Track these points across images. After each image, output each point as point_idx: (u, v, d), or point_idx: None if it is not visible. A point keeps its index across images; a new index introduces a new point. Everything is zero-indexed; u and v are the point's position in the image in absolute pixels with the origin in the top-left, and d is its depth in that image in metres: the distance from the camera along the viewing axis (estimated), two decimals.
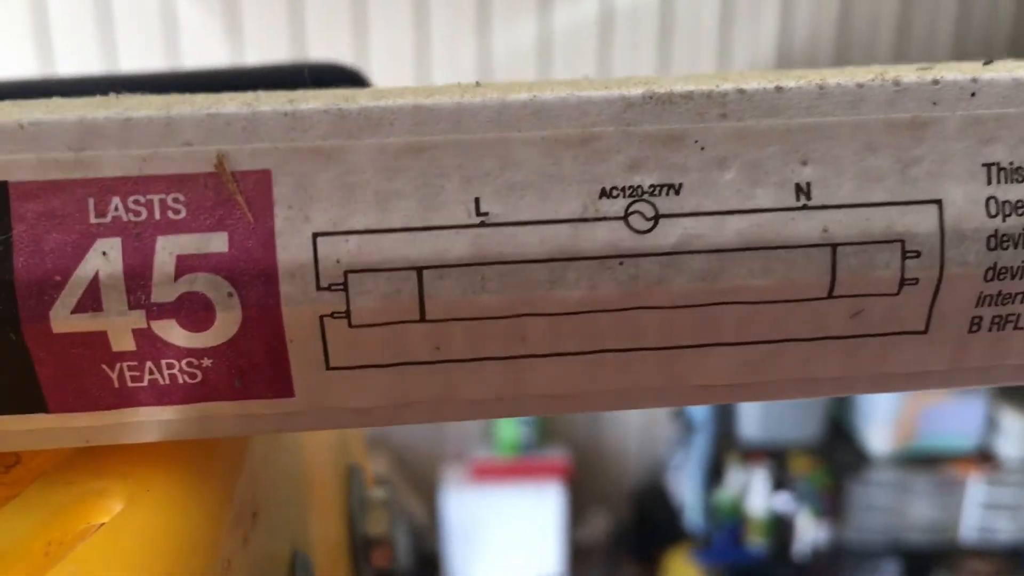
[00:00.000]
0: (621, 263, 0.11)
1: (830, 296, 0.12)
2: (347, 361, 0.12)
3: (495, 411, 0.12)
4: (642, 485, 1.75)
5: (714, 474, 1.52)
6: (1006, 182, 0.12)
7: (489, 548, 1.63)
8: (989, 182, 0.12)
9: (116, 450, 0.12)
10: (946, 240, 0.12)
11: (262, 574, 0.14)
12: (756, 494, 1.50)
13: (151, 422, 0.12)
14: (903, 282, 0.12)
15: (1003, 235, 0.12)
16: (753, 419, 1.48)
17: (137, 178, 0.11)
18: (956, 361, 0.13)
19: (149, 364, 0.11)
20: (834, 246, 0.12)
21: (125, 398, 0.11)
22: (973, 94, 0.12)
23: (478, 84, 0.12)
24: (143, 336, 0.11)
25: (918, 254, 0.12)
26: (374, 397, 0.12)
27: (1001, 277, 0.12)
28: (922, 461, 1.46)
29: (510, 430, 1.61)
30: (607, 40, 1.50)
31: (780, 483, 1.50)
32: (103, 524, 0.11)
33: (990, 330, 0.12)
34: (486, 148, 0.11)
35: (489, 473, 1.62)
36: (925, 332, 0.12)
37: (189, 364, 0.11)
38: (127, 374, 0.11)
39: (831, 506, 1.48)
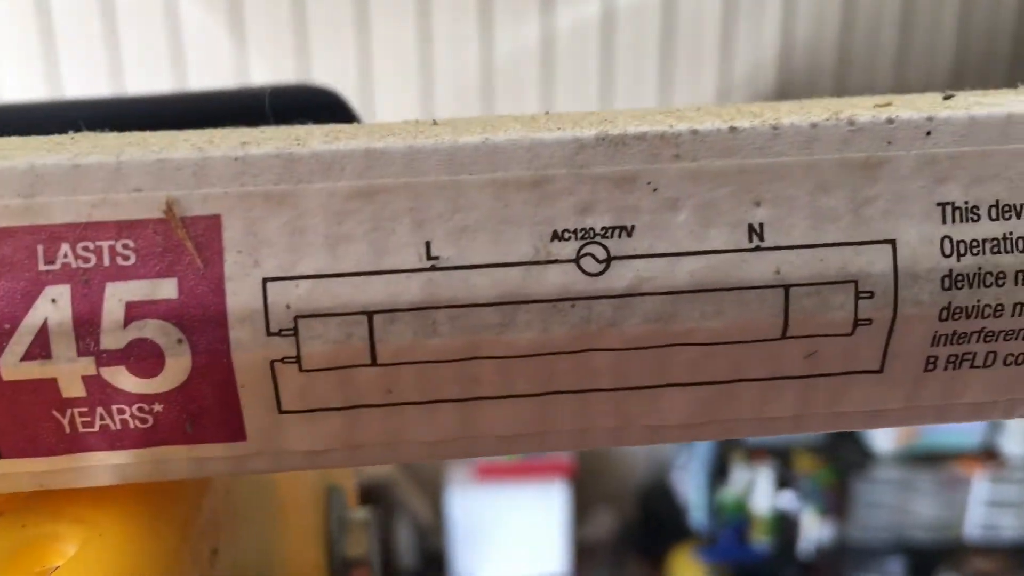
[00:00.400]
0: (573, 306, 0.12)
1: (784, 337, 0.12)
2: (299, 405, 0.12)
3: (448, 452, 0.13)
4: (647, 484, 1.75)
5: (719, 473, 1.53)
6: (961, 221, 0.12)
7: (494, 547, 1.64)
8: (944, 221, 0.12)
9: (70, 493, 0.12)
10: (900, 280, 0.12)
11: None
12: (760, 493, 1.50)
13: (104, 466, 0.12)
14: (857, 323, 0.12)
15: (957, 275, 0.12)
16: None
17: (86, 224, 0.11)
18: (912, 400, 0.13)
19: (100, 410, 0.11)
20: (787, 287, 0.12)
21: (77, 443, 0.12)
22: (928, 132, 0.12)
23: (435, 123, 0.12)
24: (93, 383, 0.11)
25: (872, 294, 0.12)
26: (327, 440, 0.12)
27: (956, 317, 0.12)
28: (926, 459, 1.46)
29: None
30: (608, 40, 1.50)
31: (784, 482, 1.50)
32: (56, 568, 0.12)
33: (945, 369, 0.12)
34: (437, 191, 0.11)
35: (494, 472, 1.62)
36: (880, 371, 0.12)
37: (140, 409, 0.12)
38: (78, 420, 0.12)
39: (835, 504, 1.48)
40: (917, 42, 1.55)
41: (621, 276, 0.12)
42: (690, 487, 1.58)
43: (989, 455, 1.46)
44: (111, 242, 0.11)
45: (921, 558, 1.53)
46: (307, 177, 0.11)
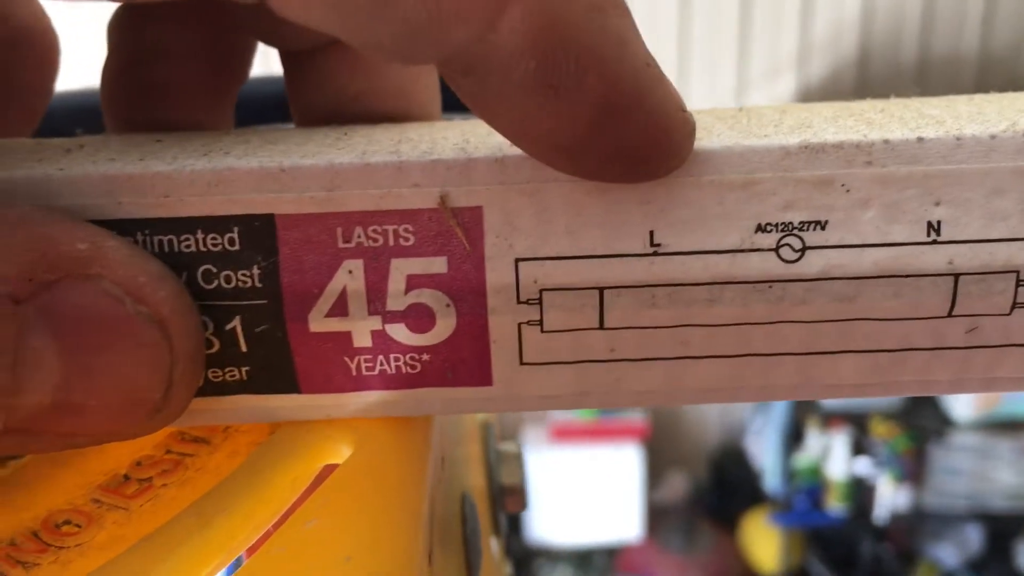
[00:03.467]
0: (771, 287, 0.14)
1: (950, 315, 0.14)
2: (537, 358, 0.14)
3: (657, 401, 0.15)
4: (720, 448, 1.76)
5: (794, 438, 1.53)
6: None
7: (569, 509, 1.66)
8: None
9: None
10: None
11: (447, 510, 0.16)
12: (836, 458, 1.50)
13: (377, 402, 0.14)
14: (1015, 305, 0.14)
15: None
16: None
17: (375, 212, 0.13)
18: None
19: (381, 357, 0.14)
20: (957, 275, 0.13)
21: (361, 383, 0.14)
22: None
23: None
24: (378, 336, 0.14)
25: None
26: (557, 387, 0.14)
27: None
28: (1006, 426, 1.45)
29: None
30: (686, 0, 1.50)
31: (860, 447, 1.50)
32: (338, 464, 0.14)
33: None
34: (658, 187, 0.13)
35: (569, 435, 1.64)
36: None
37: (412, 358, 0.14)
38: (363, 364, 0.14)
39: (912, 471, 1.47)
40: (1005, 3, 1.52)
41: (813, 263, 0.13)
42: (764, 452, 1.59)
43: None
44: (395, 226, 0.13)
45: (999, 526, 1.52)
46: (552, 175, 0.13)
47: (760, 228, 0.13)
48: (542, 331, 0.14)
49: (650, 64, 0.12)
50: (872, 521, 1.51)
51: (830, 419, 1.51)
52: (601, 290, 0.13)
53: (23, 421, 0.11)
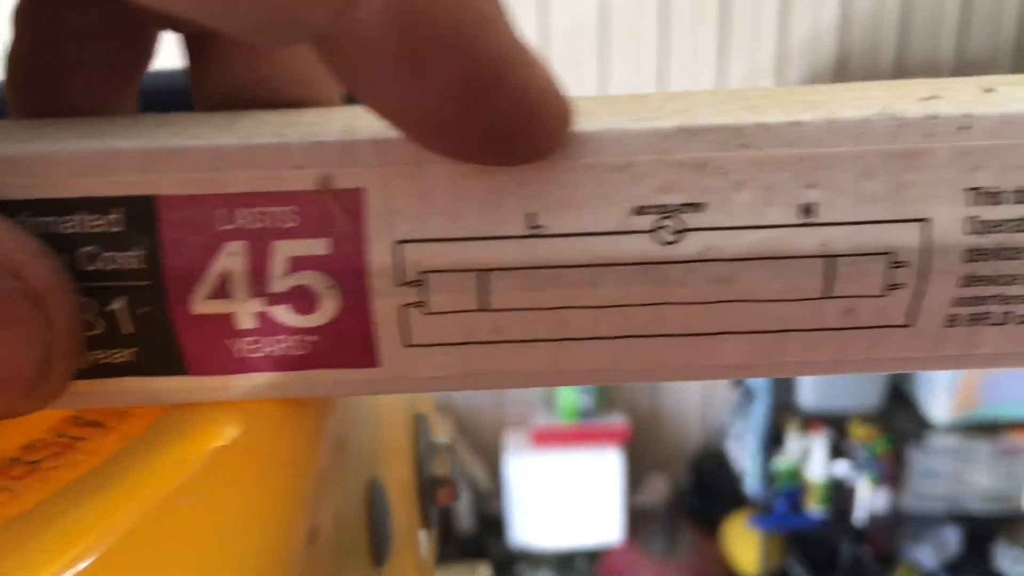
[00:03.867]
0: (650, 268, 0.14)
1: (825, 297, 0.14)
2: (423, 340, 0.14)
3: (542, 381, 0.15)
4: (701, 451, 1.77)
5: (773, 441, 1.53)
6: (986, 204, 0.14)
7: (550, 512, 1.67)
8: (972, 204, 0.14)
9: None
10: (928, 253, 0.14)
11: (346, 494, 0.17)
12: (815, 461, 1.50)
13: (266, 384, 0.15)
14: (889, 286, 0.14)
15: (979, 249, 0.14)
16: (812, 387, 1.49)
17: (257, 193, 0.13)
18: (935, 350, 0.15)
19: (266, 339, 0.14)
20: (831, 257, 0.14)
21: (247, 365, 0.14)
22: (965, 128, 0.13)
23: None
24: (262, 318, 0.14)
25: (903, 264, 0.14)
26: (444, 368, 0.15)
27: (975, 284, 0.14)
28: (983, 428, 1.45)
29: (570, 397, 1.64)
30: (666, 8, 1.51)
31: (839, 450, 1.51)
32: (224, 446, 0.14)
33: (966, 325, 0.14)
34: (538, 171, 0.14)
35: (550, 438, 1.65)
36: (908, 326, 0.14)
37: (297, 340, 0.14)
38: (249, 346, 0.14)
39: (890, 473, 1.48)
40: (980, 11, 1.53)
41: (691, 245, 0.14)
42: (744, 455, 1.60)
43: None
44: (277, 208, 0.13)
45: (977, 528, 1.53)
46: (433, 157, 0.14)
47: (639, 210, 0.14)
48: (426, 313, 0.14)
49: (518, 45, 0.12)
50: (851, 523, 1.52)
51: (809, 422, 1.52)
52: (483, 272, 0.14)
53: None
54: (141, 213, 0.13)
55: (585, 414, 1.66)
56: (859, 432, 1.49)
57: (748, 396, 1.60)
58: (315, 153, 0.13)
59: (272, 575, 0.13)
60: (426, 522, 0.25)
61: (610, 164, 0.14)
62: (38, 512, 0.13)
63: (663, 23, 1.51)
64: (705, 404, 1.76)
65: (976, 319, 0.14)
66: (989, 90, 0.14)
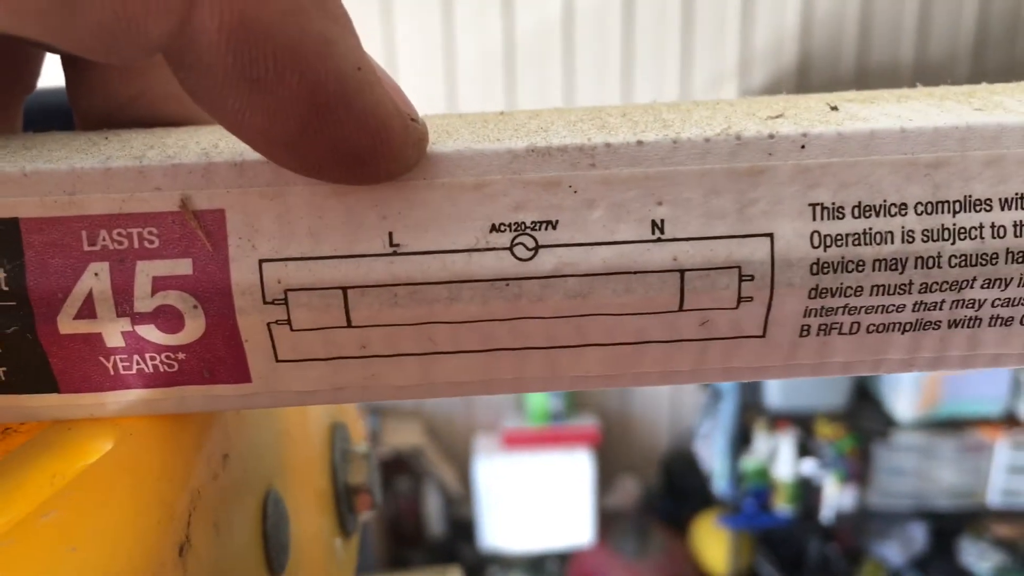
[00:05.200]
0: (507, 284, 0.14)
1: (680, 310, 0.15)
2: (292, 356, 0.15)
3: (413, 394, 0.16)
4: (670, 453, 1.78)
5: (741, 441, 1.54)
6: (828, 219, 0.14)
7: (521, 515, 1.67)
8: (814, 219, 0.14)
9: None
10: (776, 266, 0.14)
11: (232, 505, 0.17)
12: (783, 460, 1.52)
13: (139, 400, 0.15)
14: (740, 299, 0.14)
15: (824, 262, 0.14)
16: (779, 387, 1.50)
17: (118, 215, 0.14)
18: (790, 359, 0.15)
19: (136, 357, 0.14)
20: (683, 271, 0.14)
21: (118, 382, 0.15)
22: (803, 146, 0.14)
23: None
24: (130, 336, 0.14)
25: (753, 277, 0.14)
26: (314, 383, 0.15)
27: (823, 295, 0.14)
28: (948, 425, 1.47)
29: (540, 400, 1.64)
30: (629, 12, 1.51)
31: (806, 449, 1.52)
32: (94, 461, 0.15)
33: (817, 335, 0.15)
34: (396, 191, 0.14)
35: (520, 441, 1.65)
36: (763, 336, 0.15)
37: (167, 357, 0.15)
38: (120, 364, 0.15)
39: (857, 471, 1.49)
40: (938, 14, 1.55)
41: (546, 261, 0.14)
42: (713, 455, 1.61)
43: (1011, 421, 1.47)
44: (139, 229, 0.14)
45: (943, 524, 1.54)
46: (292, 179, 0.14)
47: (494, 228, 0.14)
48: (291, 329, 0.14)
49: (361, 68, 0.12)
50: (819, 521, 1.53)
51: (776, 421, 1.53)
52: (345, 289, 0.14)
53: None
54: (4, 235, 0.14)
55: (555, 417, 1.66)
56: (826, 431, 1.51)
57: (716, 396, 1.61)
58: (174, 175, 0.14)
59: None
60: (343, 529, 0.25)
61: (464, 184, 0.14)
62: None
63: (627, 27, 1.52)
64: (674, 405, 1.77)
65: (826, 329, 0.15)
66: (834, 108, 0.15)
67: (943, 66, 1.56)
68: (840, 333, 0.15)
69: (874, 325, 0.15)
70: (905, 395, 1.46)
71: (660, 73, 1.56)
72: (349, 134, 0.13)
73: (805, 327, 0.15)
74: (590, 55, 1.52)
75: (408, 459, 1.60)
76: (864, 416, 1.51)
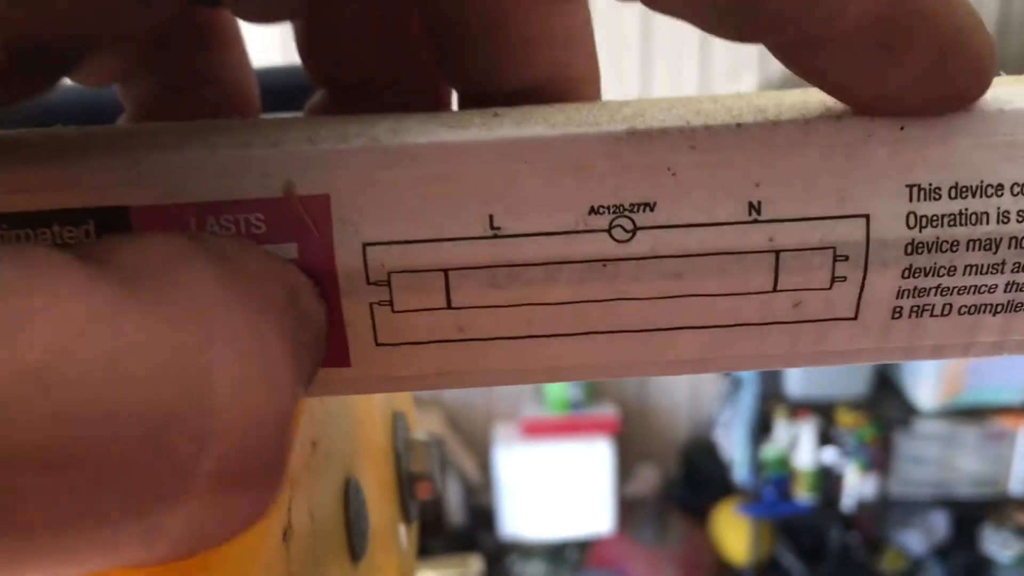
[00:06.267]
0: (604, 265, 0.14)
1: (774, 291, 0.15)
2: (391, 339, 0.15)
3: (509, 379, 0.16)
4: (690, 441, 1.78)
5: (761, 429, 1.54)
6: (924, 200, 0.14)
7: (541, 503, 1.67)
8: (910, 200, 0.14)
9: None
10: (870, 247, 0.14)
11: (321, 492, 0.17)
12: (803, 448, 1.51)
13: None
14: (834, 280, 0.14)
15: (919, 243, 0.14)
16: (799, 375, 1.50)
17: (226, 202, 0.14)
18: (882, 341, 0.15)
19: None
20: (777, 252, 0.14)
21: None
22: (902, 127, 0.14)
23: (496, 114, 0.15)
24: None
25: (847, 257, 0.14)
26: (413, 367, 0.15)
27: (916, 276, 0.14)
28: (969, 413, 1.47)
29: (560, 388, 1.64)
30: None
31: (827, 437, 1.52)
32: None
33: (910, 317, 0.15)
34: (499, 175, 0.14)
35: (540, 430, 1.65)
36: (855, 319, 0.15)
37: None
38: None
39: (878, 459, 1.49)
40: None
41: (643, 243, 0.14)
42: (733, 444, 1.61)
43: None
44: (246, 215, 0.14)
45: (964, 512, 1.54)
46: (395, 164, 0.14)
47: (593, 210, 0.14)
48: (393, 311, 0.14)
49: (971, 12, 0.13)
50: (839, 510, 1.53)
51: (797, 410, 1.53)
52: (447, 271, 0.14)
53: None
54: (115, 224, 0.14)
55: (575, 406, 1.66)
56: (846, 419, 1.51)
57: (736, 385, 1.61)
58: (280, 162, 0.14)
59: (249, 574, 0.14)
60: (406, 517, 0.25)
61: (565, 166, 0.14)
62: None
63: (645, 16, 1.51)
64: (694, 394, 1.77)
65: (919, 311, 0.15)
66: None
67: None
68: (932, 315, 0.15)
69: (966, 307, 0.15)
70: (927, 383, 1.45)
71: (678, 62, 1.55)
72: (960, 78, 0.13)
73: (897, 309, 0.15)
74: (609, 44, 1.52)
75: None
76: (885, 404, 1.51)
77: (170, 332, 0.10)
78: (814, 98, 0.15)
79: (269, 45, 0.19)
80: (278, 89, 0.22)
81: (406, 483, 0.25)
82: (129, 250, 0.11)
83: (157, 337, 0.09)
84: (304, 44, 0.17)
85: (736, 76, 1.55)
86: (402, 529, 0.25)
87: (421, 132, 0.14)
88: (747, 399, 1.54)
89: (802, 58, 0.13)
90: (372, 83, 0.17)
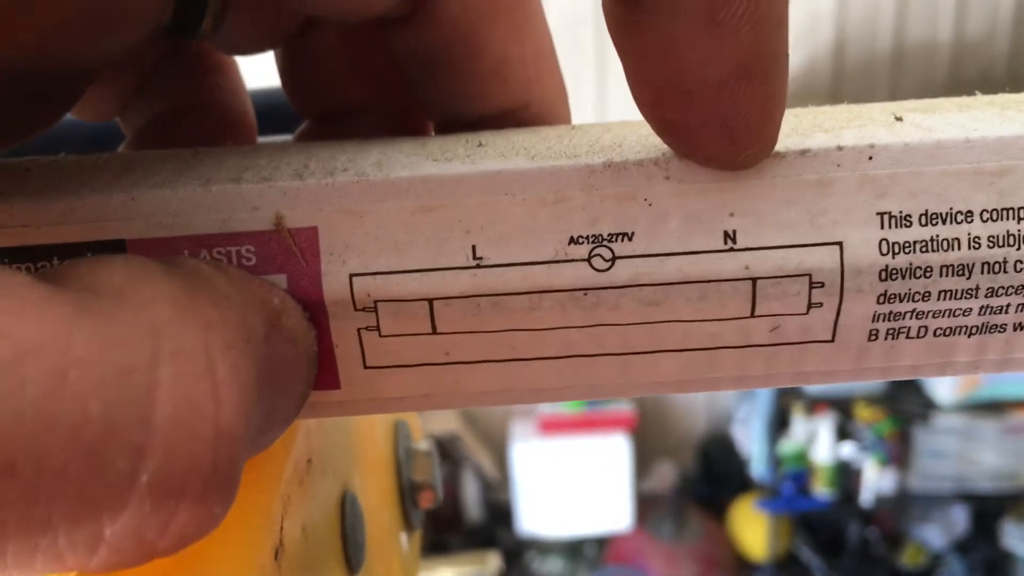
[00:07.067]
0: (585, 294, 0.15)
1: (752, 316, 0.15)
2: (379, 362, 0.15)
3: (494, 400, 0.16)
4: (707, 436, 1.78)
5: (779, 424, 1.54)
6: (896, 227, 0.14)
7: (558, 500, 1.68)
8: (882, 227, 0.14)
9: None
10: (845, 273, 0.15)
11: (316, 508, 0.18)
12: (821, 443, 1.51)
13: None
14: (811, 305, 0.15)
15: (892, 269, 0.14)
16: None
17: (218, 235, 0.14)
18: (859, 363, 0.16)
19: None
20: (754, 279, 0.15)
21: None
22: (870, 157, 0.14)
23: (480, 144, 0.15)
24: None
25: (823, 284, 0.15)
26: (400, 389, 0.16)
27: (891, 301, 0.15)
28: (989, 408, 1.46)
29: None
30: None
31: (845, 432, 1.52)
32: None
33: (885, 339, 0.15)
34: (480, 208, 0.15)
35: (557, 426, 1.66)
36: (832, 341, 0.15)
37: None
38: None
39: (897, 454, 1.48)
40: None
41: (623, 271, 0.15)
42: (751, 439, 1.60)
43: None
44: (237, 247, 0.14)
45: (984, 507, 1.53)
46: (381, 198, 0.14)
47: (572, 240, 0.15)
48: (380, 336, 0.15)
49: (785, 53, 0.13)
50: (858, 505, 1.53)
51: (815, 405, 1.52)
52: (431, 301, 0.15)
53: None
54: None
55: (592, 401, 1.66)
56: (865, 414, 1.50)
57: None
58: (270, 196, 0.14)
59: None
60: (408, 525, 0.26)
61: (545, 199, 0.14)
62: None
63: (599, 33, 1.51)
64: None
65: (895, 333, 0.15)
66: (899, 118, 0.15)
67: (981, 44, 1.53)
68: (908, 337, 0.15)
69: (941, 329, 0.15)
70: (945, 378, 1.44)
71: None
72: (751, 105, 0.13)
73: (874, 332, 0.15)
74: (565, 63, 1.51)
75: (445, 445, 1.61)
76: (903, 399, 1.50)
77: (117, 349, 0.10)
78: (788, 125, 0.15)
79: (265, 68, 0.19)
80: (274, 110, 0.23)
81: (408, 492, 0.26)
82: (92, 271, 0.11)
83: (103, 353, 0.10)
84: (286, 77, 0.17)
85: None
86: (404, 537, 0.25)
87: (406, 165, 0.15)
88: (764, 394, 1.54)
89: (622, 15, 0.13)
90: (355, 113, 0.18)
